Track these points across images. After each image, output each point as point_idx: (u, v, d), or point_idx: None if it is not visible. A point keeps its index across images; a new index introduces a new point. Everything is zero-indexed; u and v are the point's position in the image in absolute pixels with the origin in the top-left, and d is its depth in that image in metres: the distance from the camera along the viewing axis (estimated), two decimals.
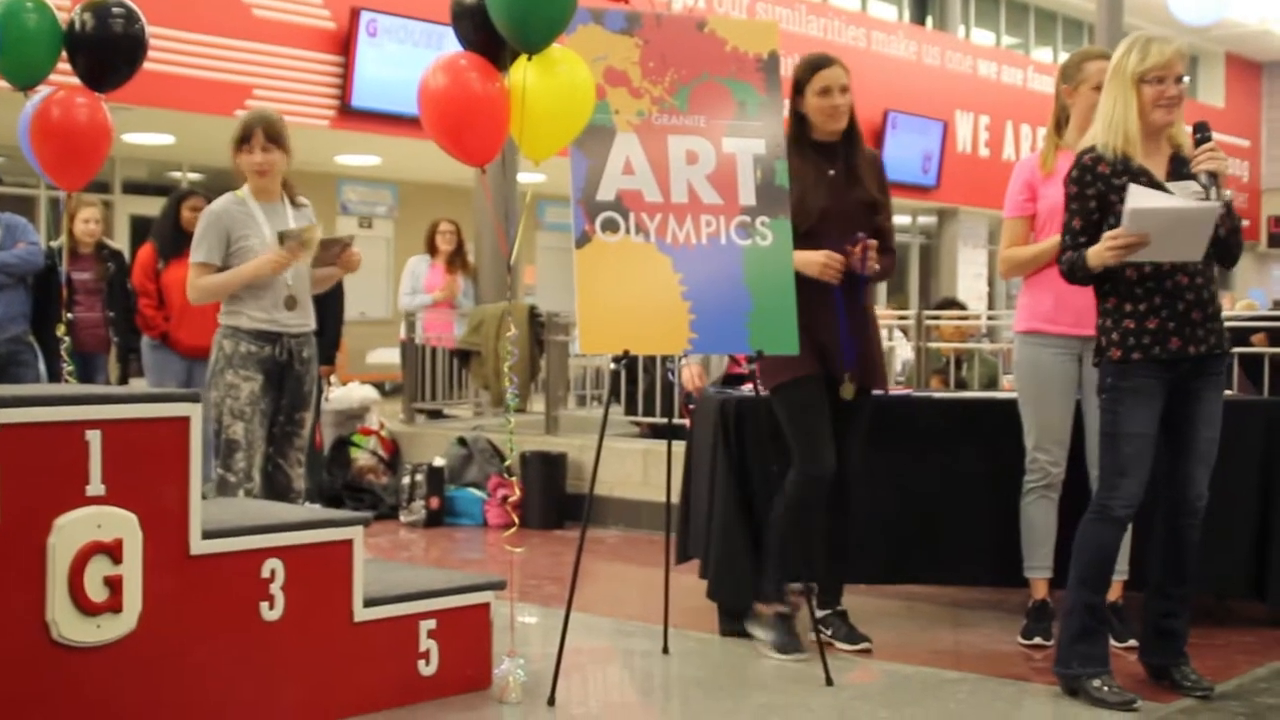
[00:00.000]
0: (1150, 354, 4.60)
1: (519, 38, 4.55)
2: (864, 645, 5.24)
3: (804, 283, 5.11)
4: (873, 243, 5.16)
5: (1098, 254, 4.57)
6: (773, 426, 5.33)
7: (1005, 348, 8.98)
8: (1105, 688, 4.59)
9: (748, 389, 5.86)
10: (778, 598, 5.23)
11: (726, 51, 5.14)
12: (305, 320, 5.66)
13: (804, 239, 5.17)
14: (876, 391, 5.40)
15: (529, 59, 4.58)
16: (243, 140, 5.59)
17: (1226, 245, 4.69)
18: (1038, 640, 5.36)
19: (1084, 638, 4.69)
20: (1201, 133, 4.61)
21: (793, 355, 5.07)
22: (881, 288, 14.37)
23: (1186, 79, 4.71)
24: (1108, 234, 4.54)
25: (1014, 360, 5.64)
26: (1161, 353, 4.60)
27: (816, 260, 5.14)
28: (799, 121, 5.32)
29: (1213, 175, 4.53)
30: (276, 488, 5.61)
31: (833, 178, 5.28)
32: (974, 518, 5.88)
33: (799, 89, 5.29)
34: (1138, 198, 4.48)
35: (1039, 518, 5.41)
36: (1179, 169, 4.64)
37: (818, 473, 5.15)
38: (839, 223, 5.20)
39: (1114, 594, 5.49)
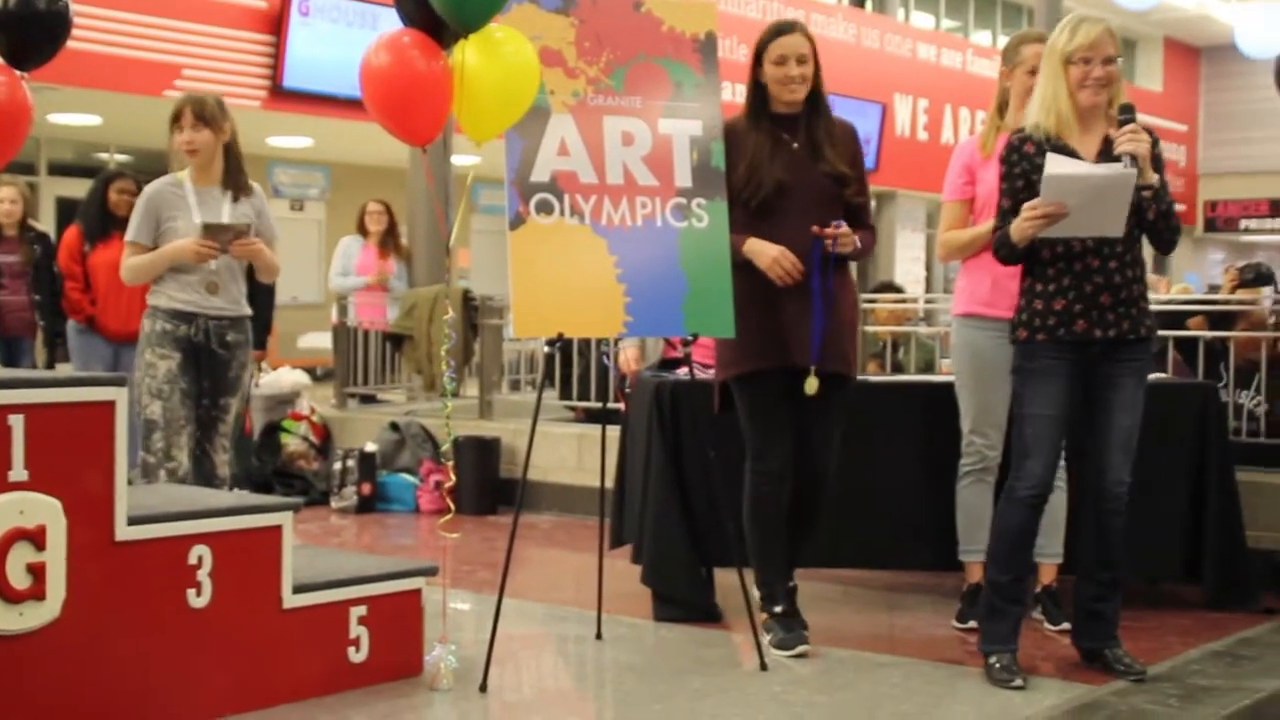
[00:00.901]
0: (1054, 335, 4.66)
1: (455, 16, 4.54)
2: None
3: (750, 276, 5.02)
4: (843, 228, 4.97)
5: (1018, 227, 4.62)
6: (708, 410, 5.34)
7: (943, 331, 9.04)
8: (997, 664, 4.69)
9: (683, 372, 5.87)
10: (768, 600, 5.16)
11: (663, 32, 5.14)
12: (229, 305, 5.66)
13: (761, 216, 5.03)
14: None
15: (465, 39, 4.58)
16: (174, 120, 5.62)
17: (1157, 229, 4.73)
18: (973, 624, 5.41)
19: (990, 616, 4.79)
20: (1125, 114, 4.65)
21: (752, 345, 5.00)
22: None
23: (1118, 60, 4.73)
24: (1026, 205, 4.59)
25: (951, 344, 5.68)
26: (1066, 334, 4.65)
27: (768, 254, 4.97)
28: (758, 91, 5.16)
29: (1134, 157, 4.57)
30: (201, 474, 5.62)
31: (795, 151, 5.10)
32: (911, 501, 5.93)
33: (758, 57, 5.14)
34: (1054, 164, 4.54)
35: (975, 501, 5.45)
36: (1109, 151, 4.68)
37: (765, 469, 5.09)
38: (800, 198, 5.03)
39: (1048, 577, 5.57)
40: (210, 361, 5.63)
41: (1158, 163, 4.75)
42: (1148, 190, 4.63)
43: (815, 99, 5.14)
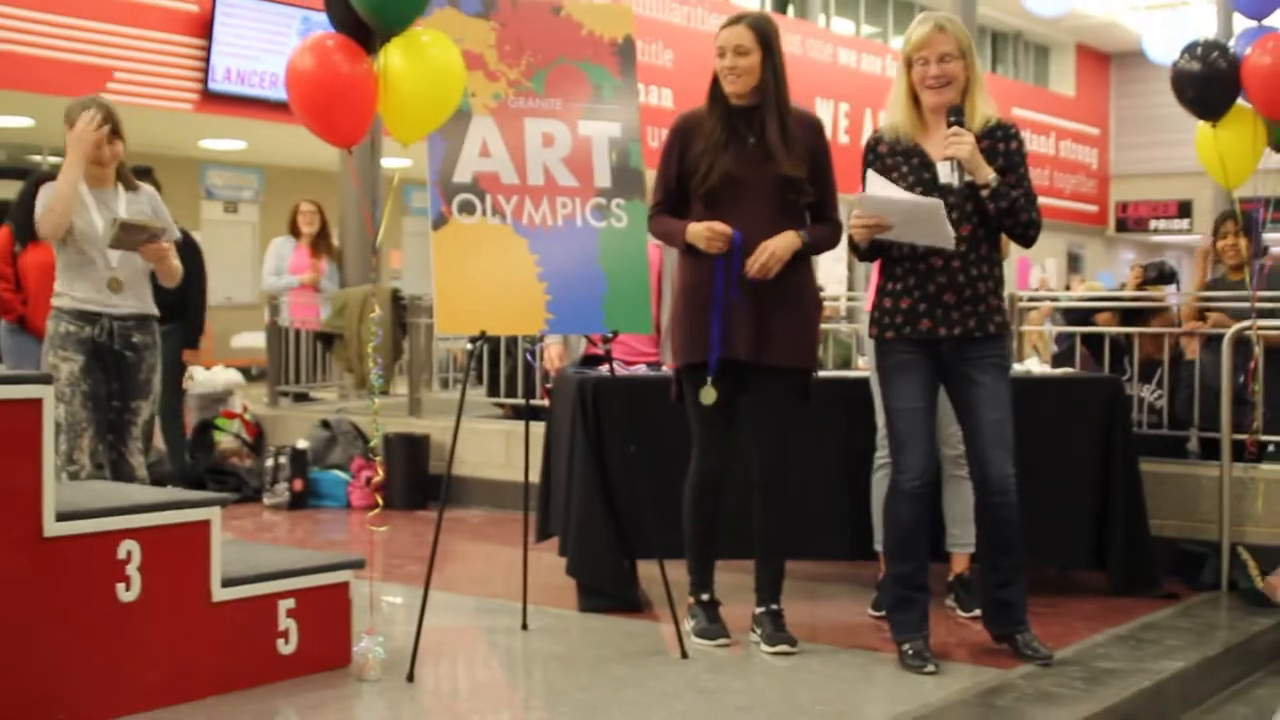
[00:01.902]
0: (902, 333, 4.73)
1: (376, 19, 4.54)
2: (783, 648, 4.94)
3: (692, 264, 4.95)
4: (763, 258, 4.80)
5: (853, 229, 4.70)
6: (629, 406, 5.36)
7: (861, 329, 9.10)
8: (910, 651, 4.74)
9: (605, 369, 5.88)
10: (697, 586, 5.15)
11: (582, 35, 5.16)
12: (132, 304, 5.61)
13: (710, 206, 4.89)
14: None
15: (389, 42, 4.57)
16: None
17: (1005, 226, 4.77)
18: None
19: (898, 606, 4.84)
20: (953, 116, 4.70)
21: (695, 337, 4.91)
22: None
23: (962, 57, 4.74)
24: (854, 213, 4.67)
25: (868, 342, 5.72)
26: (913, 333, 4.72)
27: (699, 232, 4.83)
28: (716, 84, 4.99)
29: (958, 161, 4.64)
30: (121, 478, 5.56)
31: (750, 146, 4.90)
32: (829, 493, 5.97)
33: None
34: (871, 185, 4.66)
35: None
36: None
37: (704, 465, 5.04)
38: (750, 193, 4.86)
39: (960, 566, 5.63)
40: (118, 364, 5.56)
41: (1014, 159, 4.79)
42: (984, 189, 4.68)
43: (772, 94, 4.92)
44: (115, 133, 5.56)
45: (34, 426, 3.91)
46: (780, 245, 4.82)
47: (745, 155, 4.91)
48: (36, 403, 3.92)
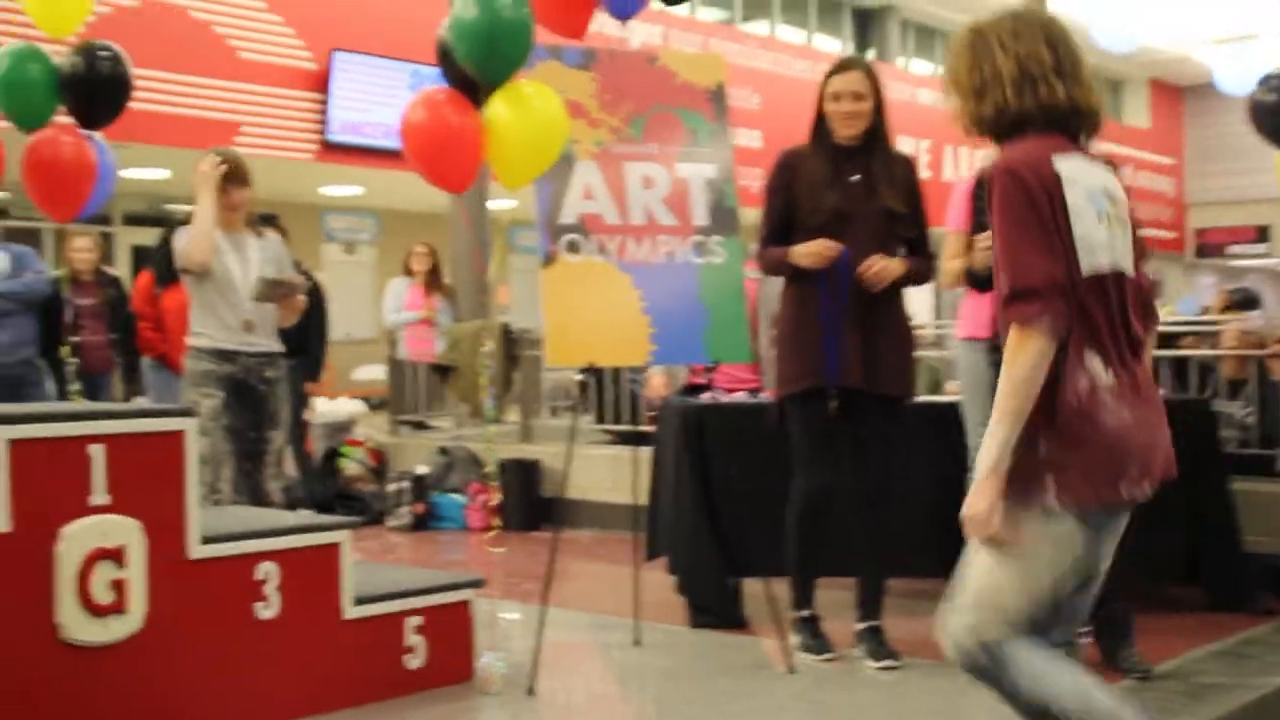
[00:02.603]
0: None
1: (479, 73, 4.62)
2: (887, 662, 4.92)
3: (798, 294, 4.93)
4: (874, 268, 4.80)
5: (977, 257, 4.83)
6: (730, 430, 5.37)
7: (949, 355, 9.05)
8: None
9: (707, 396, 5.91)
10: (801, 603, 5.11)
11: (677, 83, 5.21)
12: (264, 342, 5.71)
13: (815, 238, 4.86)
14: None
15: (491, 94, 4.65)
16: (221, 178, 5.64)
17: None
18: None
19: None
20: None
21: (797, 366, 4.91)
22: None
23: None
24: (979, 237, 4.72)
25: (957, 366, 5.69)
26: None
27: (809, 249, 4.82)
28: (820, 122, 5.00)
29: None
30: (259, 503, 5.64)
31: (853, 184, 4.91)
32: (923, 513, 5.91)
33: (821, 92, 4.99)
34: None
35: None
36: None
37: (806, 487, 5.00)
38: (856, 228, 4.86)
39: None
40: (252, 398, 5.66)
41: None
42: None
43: (875, 134, 4.96)
44: (244, 180, 5.66)
45: (179, 456, 4.00)
46: (892, 263, 4.87)
47: (851, 191, 4.92)
48: (180, 434, 4.01)
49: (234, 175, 5.66)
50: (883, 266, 4.84)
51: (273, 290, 5.57)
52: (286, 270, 5.78)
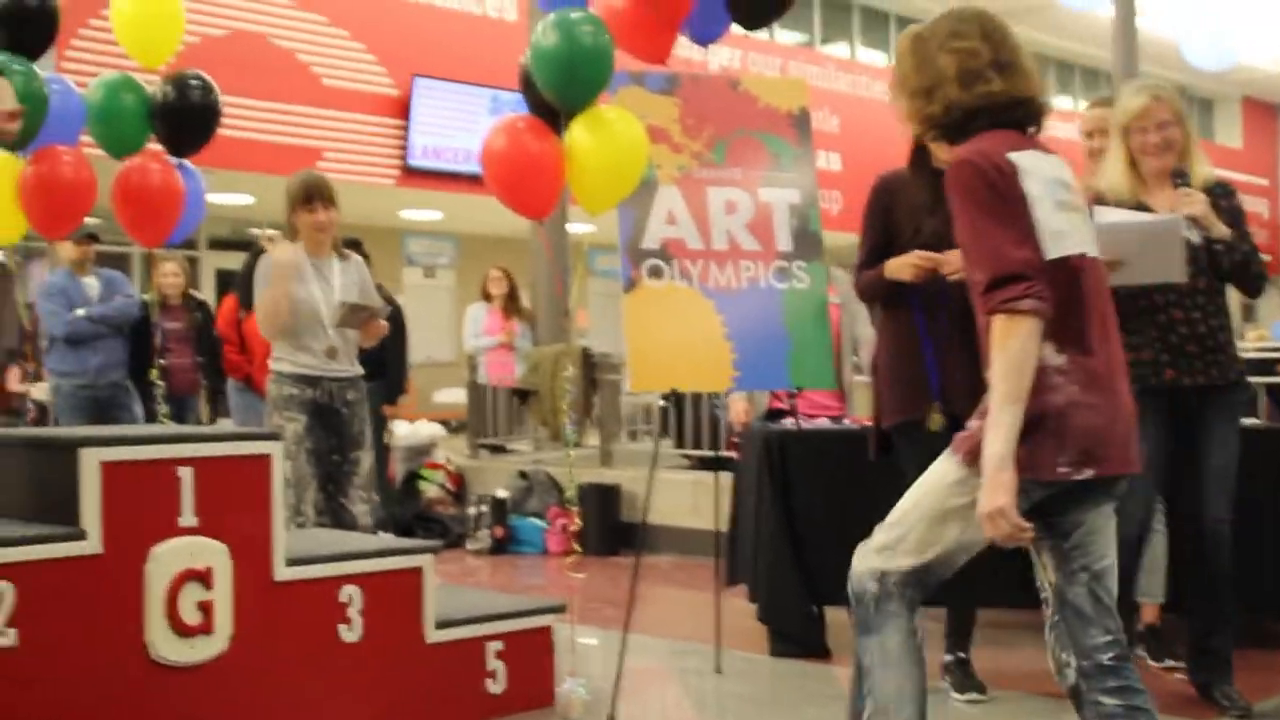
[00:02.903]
0: (1146, 384, 4.57)
1: (559, 100, 4.67)
2: (973, 695, 4.85)
3: (897, 319, 4.77)
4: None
5: None
6: (813, 456, 5.37)
7: None
8: None
9: (790, 422, 5.91)
10: (952, 645, 5.01)
11: (760, 107, 5.23)
12: (345, 367, 5.76)
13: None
14: None
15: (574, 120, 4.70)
16: (305, 200, 5.69)
17: (1236, 277, 4.67)
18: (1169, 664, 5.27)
19: None
20: (1178, 179, 4.63)
21: (904, 393, 4.74)
22: None
23: (1181, 122, 4.68)
24: None
25: None
26: (1156, 383, 4.59)
27: (906, 261, 4.64)
28: (919, 146, 4.97)
29: (1193, 219, 4.54)
30: (344, 526, 5.68)
31: None
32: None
33: None
34: (1099, 214, 4.51)
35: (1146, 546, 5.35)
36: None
37: None
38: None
39: (1150, 616, 5.42)
40: (335, 420, 5.72)
41: (1235, 215, 4.71)
42: (1219, 244, 4.61)
43: None
44: (330, 200, 5.72)
45: (265, 479, 4.07)
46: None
47: (950, 216, 4.81)
48: (267, 458, 4.09)
49: (320, 194, 5.70)
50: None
51: (353, 315, 5.64)
52: (370, 294, 5.85)
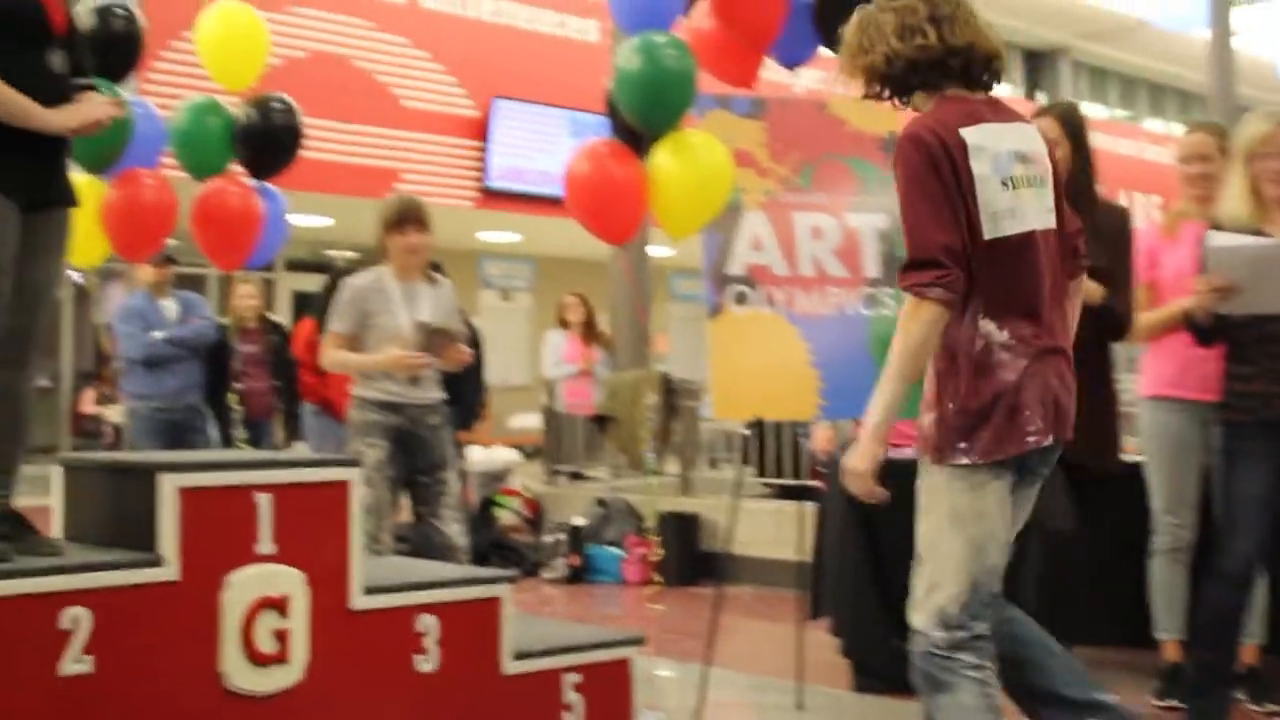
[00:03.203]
0: (1258, 416, 4.46)
1: (643, 124, 4.66)
2: None
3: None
4: None
5: (1193, 304, 4.48)
6: (899, 486, 5.27)
7: (1130, 412, 8.83)
8: None
9: None
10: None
11: (847, 131, 5.19)
12: (429, 393, 5.74)
13: None
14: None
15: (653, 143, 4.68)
16: (398, 223, 5.68)
17: None
18: (1172, 702, 5.19)
19: (1199, 695, 4.56)
20: None
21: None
22: None
23: None
24: (1197, 279, 4.46)
25: (1140, 425, 5.53)
26: (1268, 415, 4.46)
27: None
28: None
29: None
30: (439, 548, 5.66)
31: None
32: (1104, 579, 5.76)
33: None
34: (1215, 238, 4.42)
35: (1167, 580, 5.26)
36: None
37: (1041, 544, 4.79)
38: None
39: (1250, 657, 5.31)
40: (419, 445, 5.71)
41: None
42: None
43: (1080, 186, 4.63)
44: (422, 223, 5.70)
45: (343, 506, 4.06)
46: (1089, 286, 4.45)
47: None
48: (345, 484, 4.08)
49: (413, 218, 5.69)
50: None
51: (432, 339, 5.63)
52: (455, 320, 5.84)
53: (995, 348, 3.22)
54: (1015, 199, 3.24)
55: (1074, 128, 4.74)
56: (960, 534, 3.30)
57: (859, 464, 3.33)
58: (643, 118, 4.66)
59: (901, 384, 3.23)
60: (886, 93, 3.42)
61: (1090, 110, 25.60)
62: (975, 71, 3.35)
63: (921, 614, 3.37)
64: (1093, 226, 4.44)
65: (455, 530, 5.72)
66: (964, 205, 3.18)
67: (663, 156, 4.68)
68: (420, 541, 5.71)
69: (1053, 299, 3.33)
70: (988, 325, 3.23)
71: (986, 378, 3.22)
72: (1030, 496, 3.45)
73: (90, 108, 3.76)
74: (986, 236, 3.19)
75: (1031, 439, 3.24)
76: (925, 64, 3.32)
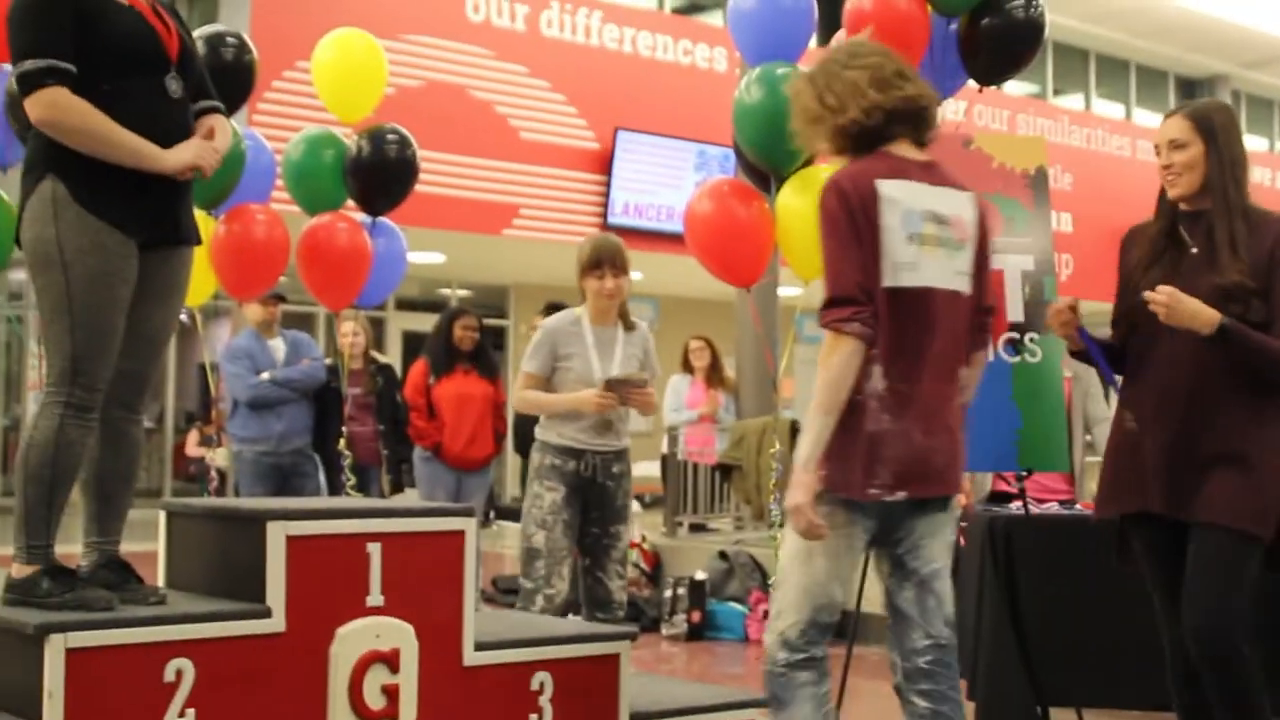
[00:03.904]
0: None
1: (763, 160, 4.66)
2: None
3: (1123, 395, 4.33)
4: None
5: None
6: (1042, 544, 5.22)
7: None
8: None
9: (1016, 506, 5.77)
10: None
11: (993, 168, 5.15)
12: (615, 441, 5.75)
13: (1134, 332, 4.25)
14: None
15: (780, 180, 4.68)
16: (594, 265, 5.66)
17: None
18: None
19: None
20: None
21: (1112, 484, 4.33)
22: None
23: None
24: None
25: None
26: None
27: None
28: (1163, 194, 4.34)
29: None
30: (597, 600, 5.70)
31: (1192, 256, 4.18)
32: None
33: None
34: None
35: None
36: None
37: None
38: None
39: None
40: (598, 493, 5.71)
41: None
42: None
43: (1219, 191, 4.17)
44: (620, 267, 5.65)
45: (457, 557, 4.09)
46: (1196, 305, 4.01)
47: (1182, 267, 4.19)
48: (460, 534, 4.11)
49: (610, 261, 5.65)
50: (1174, 300, 4.00)
51: (619, 389, 5.62)
52: (650, 365, 5.83)
53: (869, 397, 3.54)
54: (919, 254, 3.56)
55: (1206, 127, 4.23)
56: (807, 566, 3.67)
57: (794, 498, 3.53)
58: (763, 153, 4.66)
59: (825, 416, 3.50)
60: (851, 151, 3.69)
61: (1250, 143, 25.12)
62: (930, 118, 3.75)
63: (769, 635, 3.76)
64: (1234, 240, 4.13)
65: (617, 586, 5.75)
66: (871, 251, 3.53)
67: (788, 195, 4.68)
68: (580, 591, 5.74)
69: (945, 357, 3.65)
70: (875, 371, 3.55)
71: (855, 420, 3.53)
72: (934, 525, 3.71)
73: (199, 152, 3.82)
74: (885, 284, 3.52)
75: (874, 491, 3.56)
76: (903, 114, 3.66)
